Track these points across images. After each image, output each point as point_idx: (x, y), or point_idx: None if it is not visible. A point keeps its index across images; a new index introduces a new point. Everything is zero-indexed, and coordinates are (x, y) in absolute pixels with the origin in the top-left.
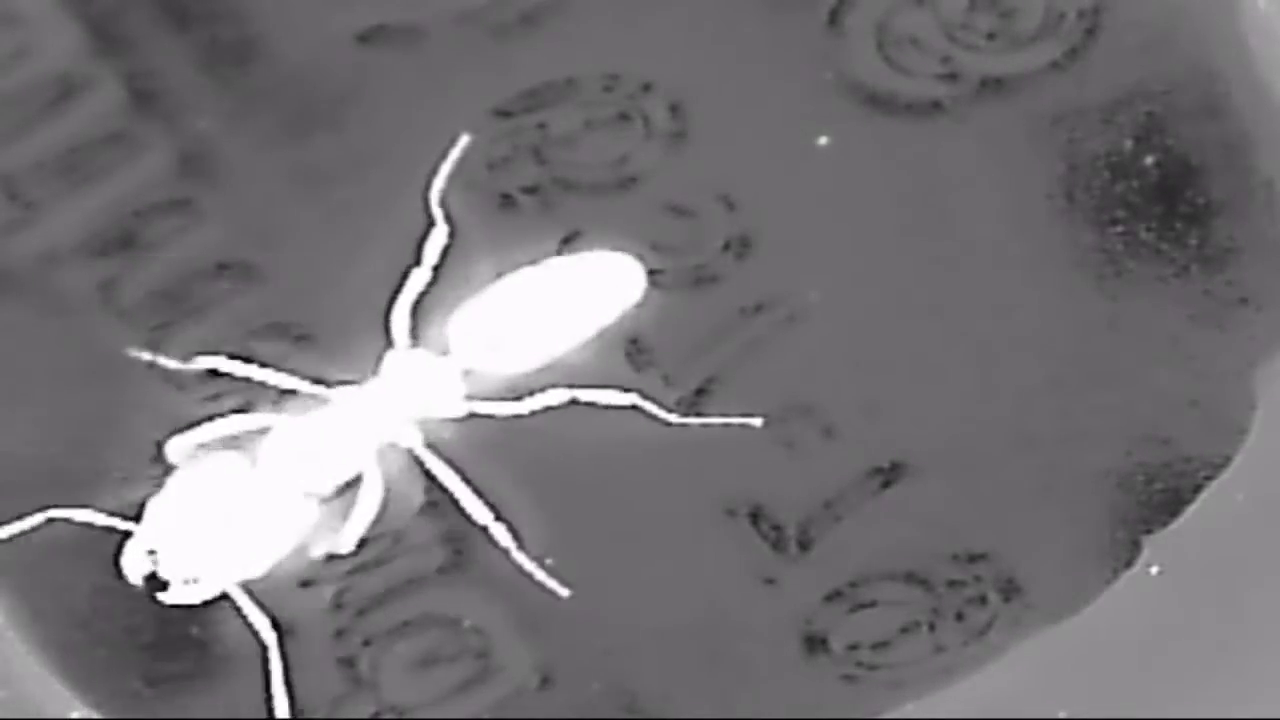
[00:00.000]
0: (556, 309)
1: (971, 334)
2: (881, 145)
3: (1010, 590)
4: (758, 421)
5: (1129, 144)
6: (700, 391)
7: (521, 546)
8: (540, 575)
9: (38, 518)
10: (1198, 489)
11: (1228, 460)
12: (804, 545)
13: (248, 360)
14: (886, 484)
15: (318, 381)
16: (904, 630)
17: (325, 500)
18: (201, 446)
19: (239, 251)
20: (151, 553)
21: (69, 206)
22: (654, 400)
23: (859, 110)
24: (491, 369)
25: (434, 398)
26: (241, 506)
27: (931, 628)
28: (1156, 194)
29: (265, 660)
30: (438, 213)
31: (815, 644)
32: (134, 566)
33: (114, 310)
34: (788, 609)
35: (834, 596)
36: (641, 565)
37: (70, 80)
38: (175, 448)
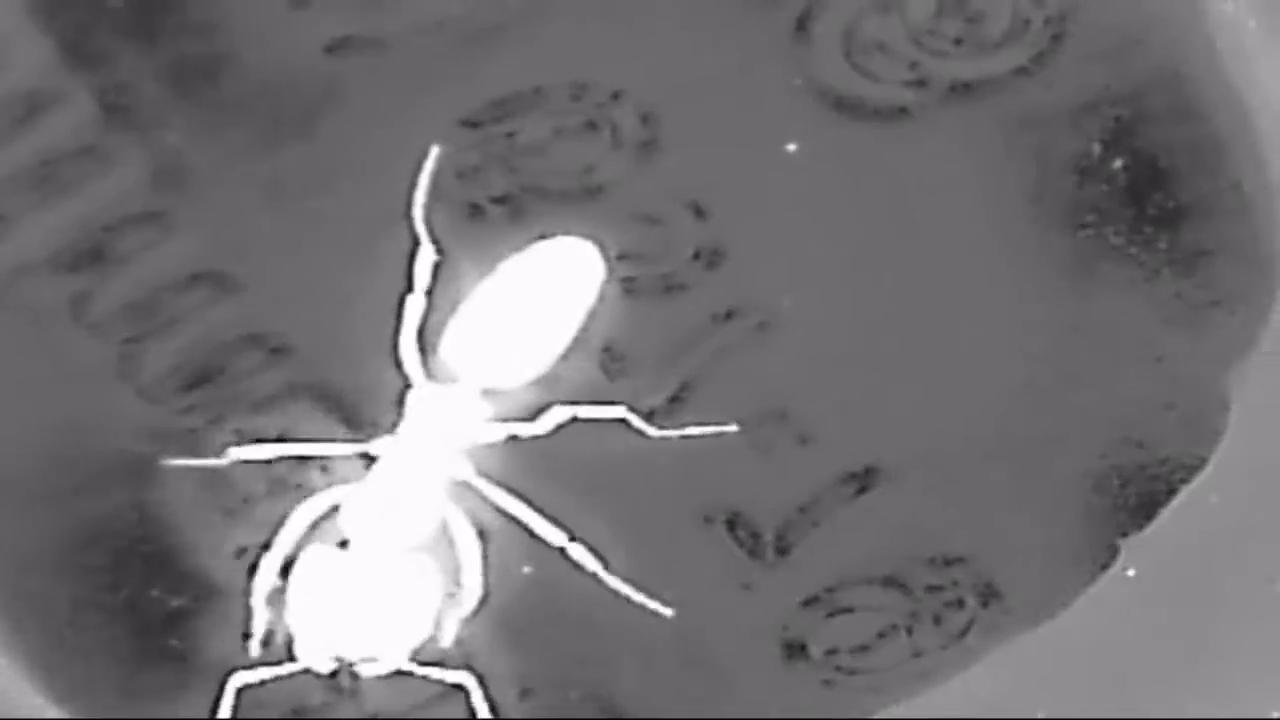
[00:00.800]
0: (536, 305)
1: (944, 338)
2: (850, 151)
3: (988, 594)
4: (733, 428)
5: (1097, 148)
6: (674, 399)
7: (608, 566)
8: (638, 596)
9: (230, 692)
10: (1172, 491)
11: (1202, 462)
12: (781, 551)
13: (278, 439)
14: (862, 489)
15: (353, 440)
16: (882, 635)
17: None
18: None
19: (212, 263)
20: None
21: (40, 220)
22: (635, 411)
23: (827, 116)
24: (501, 383)
25: (468, 426)
26: (371, 588)
27: (909, 632)
28: (1126, 197)
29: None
30: (423, 233)
31: (794, 649)
32: (320, 665)
33: (85, 324)
34: (765, 615)
35: (811, 602)
36: (619, 572)
37: (40, 95)
38: (268, 568)
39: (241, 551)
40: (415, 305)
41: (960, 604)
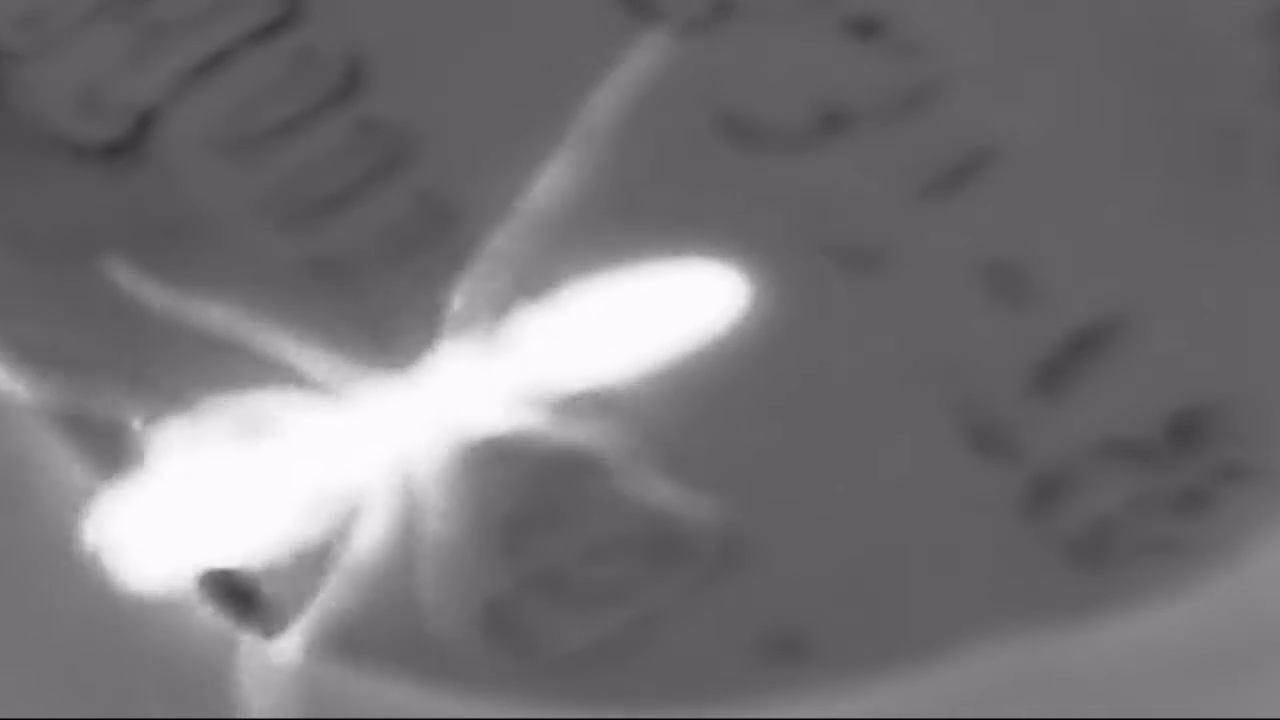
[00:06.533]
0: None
1: (1193, 167)
2: None
3: (1252, 457)
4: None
5: None
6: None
7: None
8: None
9: None
10: None
11: None
12: (1014, 420)
13: None
14: (1103, 343)
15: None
16: (1131, 506)
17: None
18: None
19: None
20: None
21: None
22: None
23: None
24: (548, 374)
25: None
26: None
27: (1161, 499)
28: None
29: None
30: None
31: (1037, 516)
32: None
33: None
34: (1002, 482)
35: (1055, 469)
36: (842, 434)
37: None
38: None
39: None
40: None
41: (1219, 465)
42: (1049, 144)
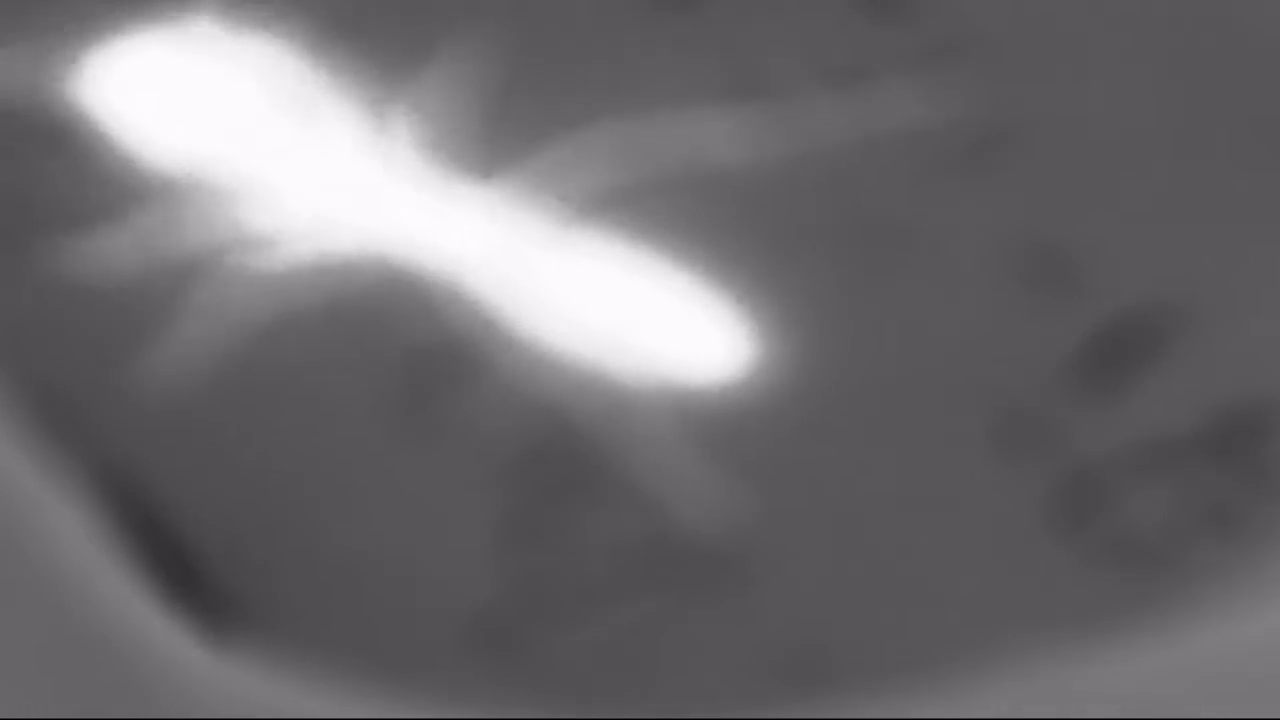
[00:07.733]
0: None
1: (1244, 153)
2: None
3: None
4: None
5: None
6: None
7: None
8: None
9: None
10: None
11: None
12: (1047, 418)
13: None
14: (1148, 337)
15: None
16: (1173, 512)
17: None
18: None
19: None
20: None
21: None
22: None
23: None
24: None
25: None
26: None
27: (1208, 507)
28: None
29: None
30: None
31: (1065, 525)
32: None
33: None
34: (1031, 485)
35: (1089, 471)
36: (858, 431)
37: None
38: None
39: None
40: None
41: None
42: (1086, 122)
